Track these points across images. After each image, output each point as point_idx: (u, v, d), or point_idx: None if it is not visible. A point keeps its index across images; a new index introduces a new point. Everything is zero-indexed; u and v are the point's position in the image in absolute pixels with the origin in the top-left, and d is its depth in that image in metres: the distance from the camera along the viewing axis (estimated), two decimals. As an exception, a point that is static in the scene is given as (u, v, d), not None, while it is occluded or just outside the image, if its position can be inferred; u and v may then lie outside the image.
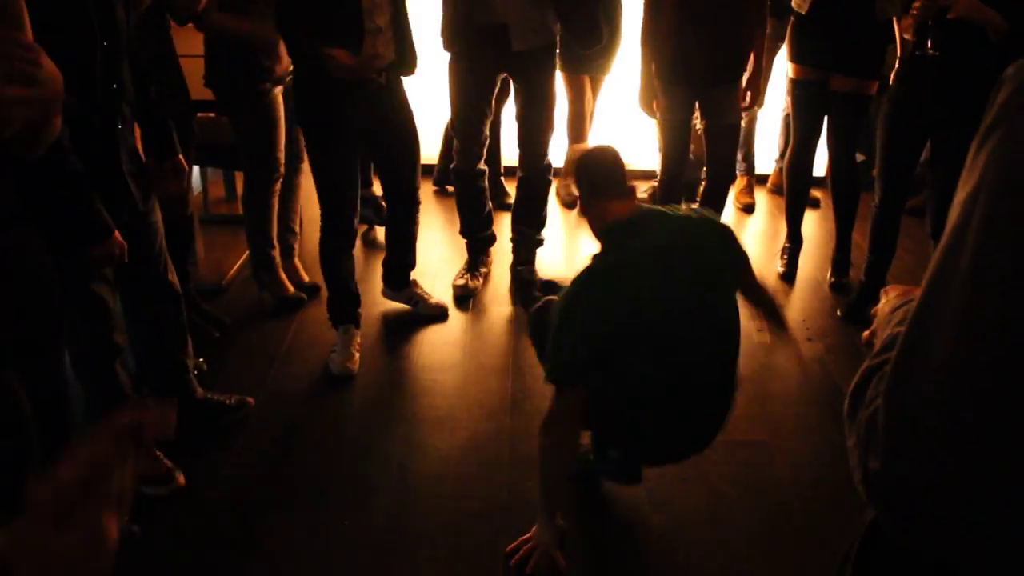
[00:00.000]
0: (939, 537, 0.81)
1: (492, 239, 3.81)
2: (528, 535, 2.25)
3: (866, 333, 1.21)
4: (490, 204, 3.74)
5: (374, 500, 2.51)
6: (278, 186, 3.39)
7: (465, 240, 3.75)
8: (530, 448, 2.49)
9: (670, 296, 2.10)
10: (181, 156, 2.53)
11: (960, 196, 0.78)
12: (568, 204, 4.62)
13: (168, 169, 2.49)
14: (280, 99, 3.22)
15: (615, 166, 2.29)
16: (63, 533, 0.71)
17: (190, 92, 3.07)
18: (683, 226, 2.22)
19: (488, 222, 3.74)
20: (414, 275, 3.51)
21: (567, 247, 4.26)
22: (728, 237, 2.28)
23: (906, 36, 3.12)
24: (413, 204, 3.27)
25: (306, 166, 3.49)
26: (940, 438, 0.76)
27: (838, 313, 3.54)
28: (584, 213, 2.35)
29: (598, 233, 2.26)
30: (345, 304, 3.20)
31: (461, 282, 3.69)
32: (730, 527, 2.44)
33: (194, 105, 3.17)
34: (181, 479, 2.50)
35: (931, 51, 2.99)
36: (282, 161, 3.31)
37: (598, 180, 2.26)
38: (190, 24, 2.96)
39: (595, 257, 2.18)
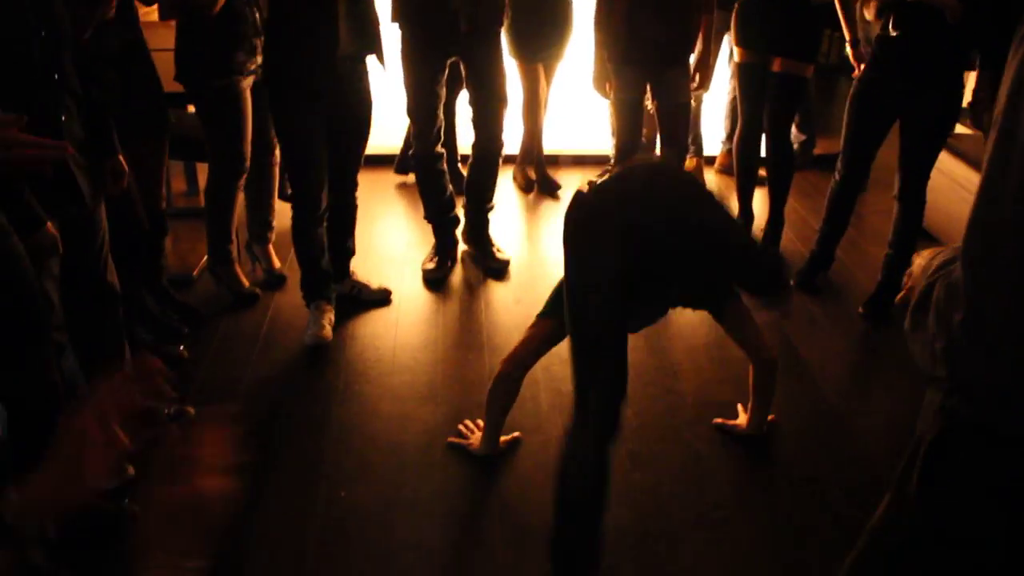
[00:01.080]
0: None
1: (456, 221, 3.92)
2: (471, 440, 2.70)
3: (900, 295, 1.38)
4: (451, 187, 3.86)
5: (369, 473, 2.62)
6: (243, 180, 3.43)
7: (431, 224, 3.86)
8: (512, 417, 2.65)
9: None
10: (121, 156, 2.52)
11: (1004, 91, 1.02)
12: (525, 188, 4.76)
13: (108, 170, 2.48)
14: (248, 93, 3.26)
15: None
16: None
17: (162, 85, 3.12)
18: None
19: (451, 205, 3.86)
20: (387, 261, 3.61)
21: (523, 230, 4.40)
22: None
23: (868, 17, 3.32)
24: (352, 188, 3.37)
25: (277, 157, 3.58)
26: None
27: (791, 282, 3.75)
28: None
29: None
30: (317, 281, 3.31)
31: (431, 266, 3.81)
32: (705, 480, 2.61)
33: (168, 98, 3.19)
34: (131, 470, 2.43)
35: (893, 31, 3.18)
36: (247, 155, 3.35)
37: None
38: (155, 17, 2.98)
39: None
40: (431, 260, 3.83)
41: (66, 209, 2.18)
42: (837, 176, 3.58)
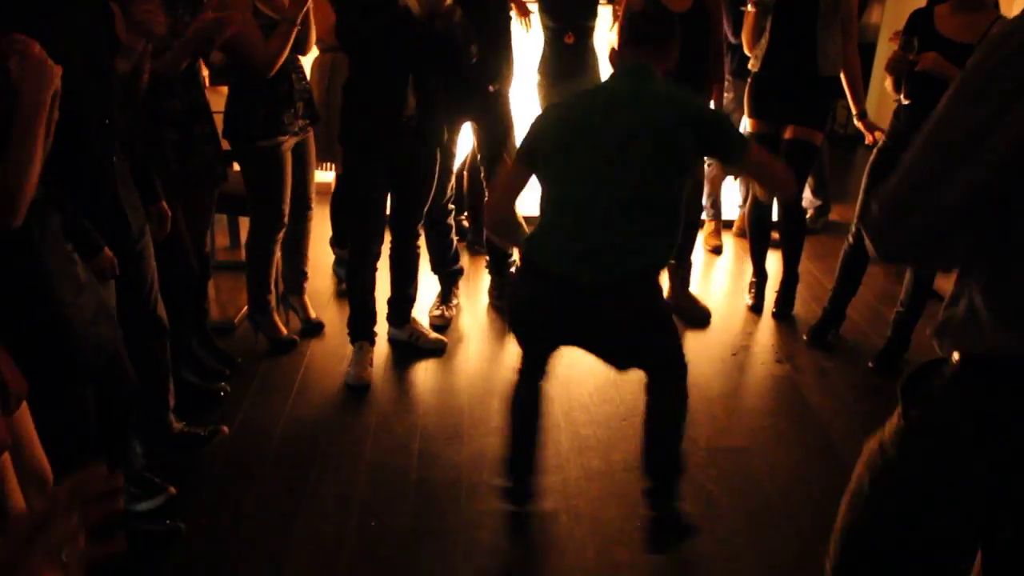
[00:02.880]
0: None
1: (460, 272, 4.15)
2: None
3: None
4: (456, 241, 4.09)
5: (398, 504, 2.78)
6: (281, 235, 3.63)
7: (436, 275, 4.07)
8: (539, 457, 2.80)
9: (615, 136, 2.26)
10: (163, 203, 2.77)
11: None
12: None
13: (153, 214, 2.73)
14: (290, 154, 3.48)
15: (659, 20, 2.41)
16: None
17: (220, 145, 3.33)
18: (668, 91, 2.34)
19: (456, 257, 4.08)
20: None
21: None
22: (693, 118, 2.30)
23: (888, 90, 3.52)
24: (415, 238, 3.61)
25: (314, 212, 3.82)
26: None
27: (804, 338, 3.91)
28: (611, 61, 2.55)
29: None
30: (362, 321, 3.56)
31: (437, 312, 4.02)
32: (717, 520, 2.74)
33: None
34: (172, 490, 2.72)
35: (904, 99, 3.38)
36: (286, 212, 3.55)
37: (636, 27, 2.39)
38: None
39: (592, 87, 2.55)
40: (437, 307, 4.05)
41: (118, 242, 2.39)
42: (851, 239, 3.75)
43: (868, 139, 3.76)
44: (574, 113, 2.38)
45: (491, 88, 3.64)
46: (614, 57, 2.51)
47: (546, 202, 2.41)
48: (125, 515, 2.61)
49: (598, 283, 2.26)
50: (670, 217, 2.33)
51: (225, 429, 3.06)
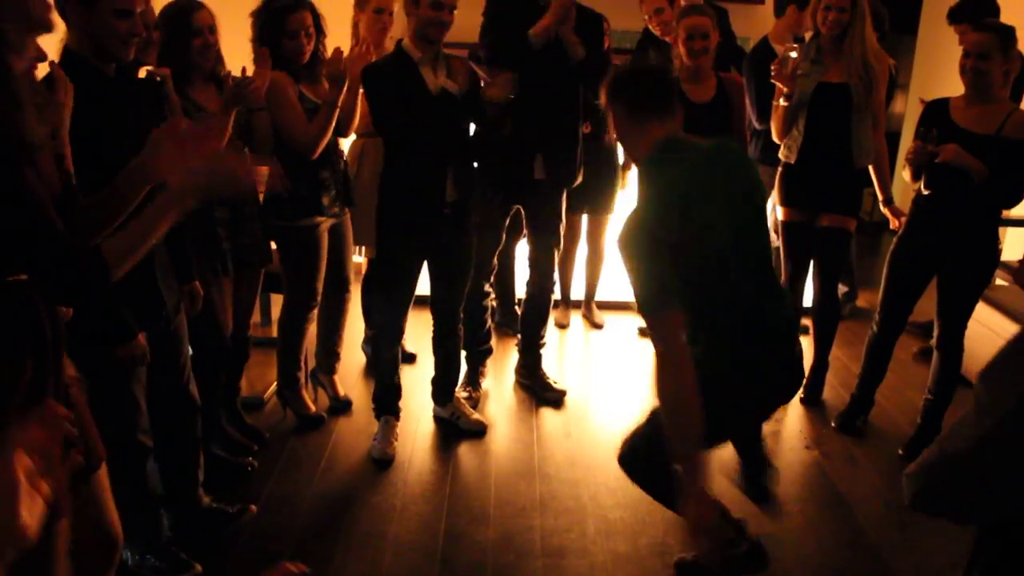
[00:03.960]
0: None
1: (489, 352, 4.18)
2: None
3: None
4: (490, 322, 4.13)
5: (422, 585, 2.76)
6: (314, 314, 3.69)
7: (465, 353, 4.06)
8: (561, 542, 2.79)
9: (731, 204, 2.18)
10: (197, 283, 2.83)
11: None
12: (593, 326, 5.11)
13: (186, 293, 2.78)
14: (326, 235, 3.55)
15: (659, 81, 2.26)
16: None
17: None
18: (721, 146, 2.29)
19: (488, 336, 4.12)
20: (419, 392, 3.90)
21: (578, 366, 4.60)
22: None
23: (906, 180, 3.57)
24: (456, 321, 3.67)
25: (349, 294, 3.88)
26: None
27: (832, 424, 3.88)
28: (621, 140, 2.38)
29: (639, 163, 2.26)
30: (388, 396, 3.60)
31: (464, 393, 4.03)
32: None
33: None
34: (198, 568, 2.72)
35: (924, 191, 3.43)
36: (320, 291, 3.61)
37: (638, 98, 2.20)
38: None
39: (641, 189, 2.25)
40: (464, 388, 4.05)
41: (153, 322, 2.44)
42: (874, 327, 3.76)
43: (893, 224, 3.80)
44: (685, 219, 2.16)
45: (538, 176, 3.73)
46: (630, 145, 2.35)
47: (715, 290, 2.24)
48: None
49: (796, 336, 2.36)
50: None
51: (253, 508, 3.06)
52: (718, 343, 2.23)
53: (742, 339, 2.24)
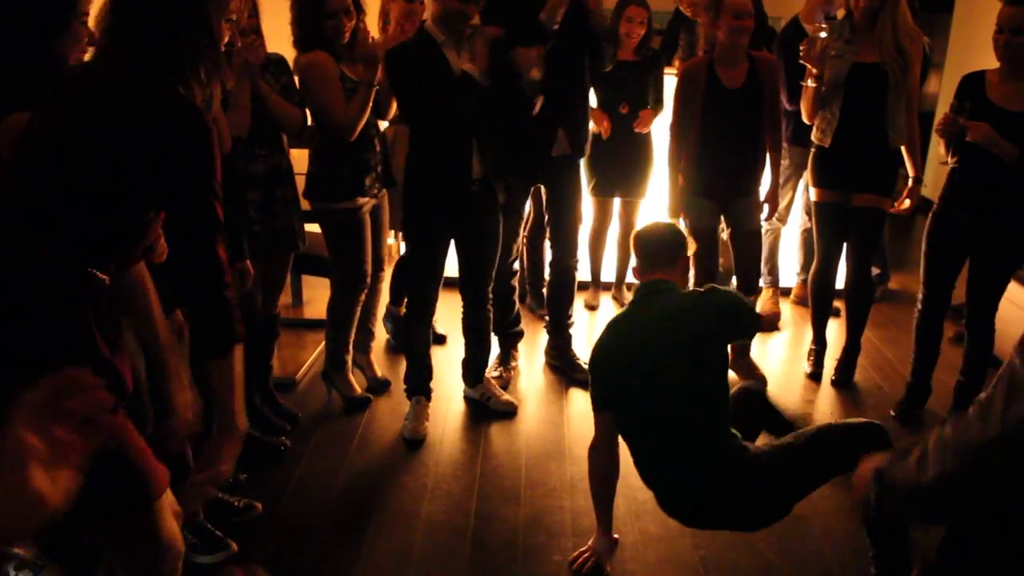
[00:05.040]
0: None
1: (521, 335, 4.19)
2: (587, 546, 2.78)
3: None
4: (519, 304, 4.15)
5: (453, 563, 2.79)
6: (363, 295, 3.71)
7: (496, 336, 4.10)
8: (591, 522, 2.81)
9: (661, 352, 2.49)
10: (248, 261, 2.87)
11: None
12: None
13: (236, 272, 2.80)
14: (368, 216, 3.58)
15: (663, 242, 2.71)
16: None
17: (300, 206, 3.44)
18: (691, 299, 2.63)
19: (517, 319, 4.13)
20: (450, 373, 3.94)
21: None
22: (724, 312, 2.58)
23: (940, 152, 3.53)
24: (485, 302, 3.68)
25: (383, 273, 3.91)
26: None
27: (891, 414, 3.80)
28: (638, 278, 2.75)
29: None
30: (419, 376, 3.64)
31: (496, 373, 4.06)
32: (777, 588, 2.71)
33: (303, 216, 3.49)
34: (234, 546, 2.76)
35: (952, 162, 3.38)
36: (368, 272, 3.63)
37: (648, 253, 2.70)
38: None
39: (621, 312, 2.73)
40: (496, 368, 4.09)
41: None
42: (919, 307, 3.71)
43: (899, 206, 3.83)
44: (620, 351, 2.56)
45: (555, 153, 3.72)
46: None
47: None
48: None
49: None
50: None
51: (259, 506, 3.01)
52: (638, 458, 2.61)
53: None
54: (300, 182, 3.50)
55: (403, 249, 4.25)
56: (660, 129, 4.80)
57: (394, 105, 3.59)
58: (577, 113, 3.79)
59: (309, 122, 3.44)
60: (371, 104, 3.31)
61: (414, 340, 3.64)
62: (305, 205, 3.53)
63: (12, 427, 1.00)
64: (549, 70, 3.41)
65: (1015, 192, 3.35)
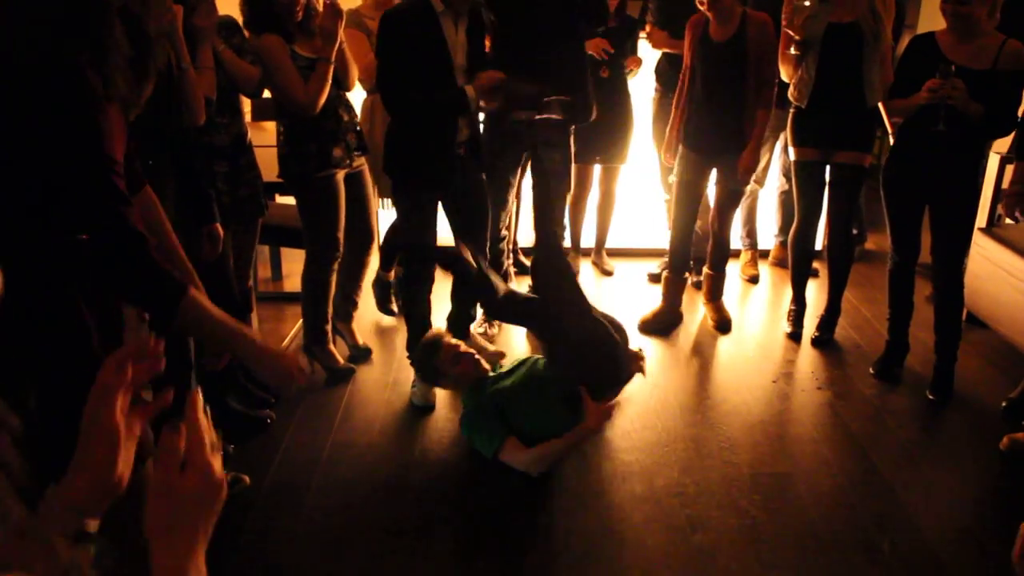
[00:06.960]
0: None
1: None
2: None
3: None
4: (507, 264, 4.17)
5: (441, 529, 2.81)
6: (337, 264, 3.68)
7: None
8: (579, 485, 2.84)
9: None
10: (218, 224, 2.83)
11: None
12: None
13: (205, 235, 2.78)
14: (342, 185, 3.55)
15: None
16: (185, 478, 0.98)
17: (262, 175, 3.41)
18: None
19: (506, 279, 4.12)
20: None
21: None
22: None
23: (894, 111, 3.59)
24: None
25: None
26: None
27: (871, 371, 3.87)
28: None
29: None
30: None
31: (481, 330, 4.09)
32: (762, 544, 2.74)
33: (266, 188, 3.46)
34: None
35: (943, 128, 3.36)
36: (342, 242, 3.62)
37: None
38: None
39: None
40: (480, 324, 4.13)
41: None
42: (890, 261, 3.76)
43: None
44: None
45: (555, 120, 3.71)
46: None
47: None
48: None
49: None
50: None
51: (247, 479, 3.01)
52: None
53: None
54: (259, 154, 3.46)
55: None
56: (640, 96, 4.80)
57: (354, 75, 3.55)
58: (574, 79, 3.75)
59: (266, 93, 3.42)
60: (330, 79, 3.30)
61: (415, 302, 3.63)
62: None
63: (106, 409, 1.02)
64: (545, 39, 3.47)
65: (963, 145, 3.43)
